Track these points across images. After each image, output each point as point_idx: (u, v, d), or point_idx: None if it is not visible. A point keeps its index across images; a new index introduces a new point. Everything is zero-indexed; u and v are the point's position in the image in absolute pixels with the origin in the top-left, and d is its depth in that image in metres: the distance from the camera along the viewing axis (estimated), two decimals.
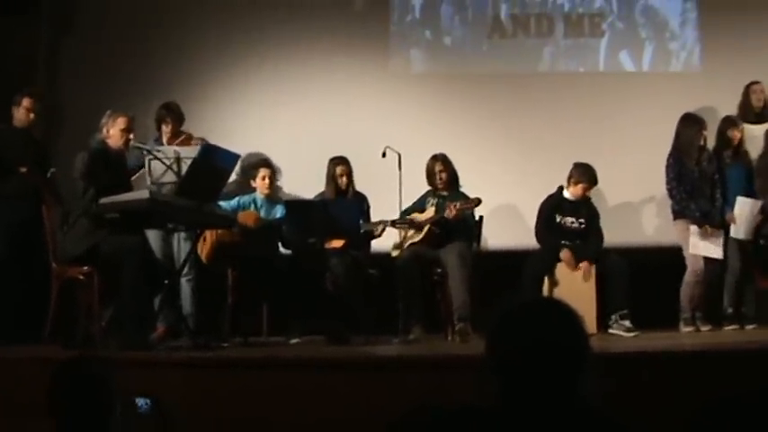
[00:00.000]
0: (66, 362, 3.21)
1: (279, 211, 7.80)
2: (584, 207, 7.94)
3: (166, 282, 6.81)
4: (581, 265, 7.69)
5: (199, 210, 6.54)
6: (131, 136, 6.57)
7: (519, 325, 2.08)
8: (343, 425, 5.07)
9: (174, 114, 7.93)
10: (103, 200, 6.10)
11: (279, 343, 7.17)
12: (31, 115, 7.52)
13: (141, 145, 6.97)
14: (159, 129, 7.95)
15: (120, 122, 6.48)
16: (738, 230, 7.85)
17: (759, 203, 7.83)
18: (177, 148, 7.16)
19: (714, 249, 7.78)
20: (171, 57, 8.98)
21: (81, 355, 3.68)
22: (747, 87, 8.40)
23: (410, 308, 7.31)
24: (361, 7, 9.23)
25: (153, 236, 7.37)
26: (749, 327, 7.74)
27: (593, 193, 8.12)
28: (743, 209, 7.84)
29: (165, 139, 7.83)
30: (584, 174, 7.84)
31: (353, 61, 9.07)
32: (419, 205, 7.87)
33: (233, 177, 7.88)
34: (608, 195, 8.77)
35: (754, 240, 7.92)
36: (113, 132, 6.48)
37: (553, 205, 7.91)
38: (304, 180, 8.39)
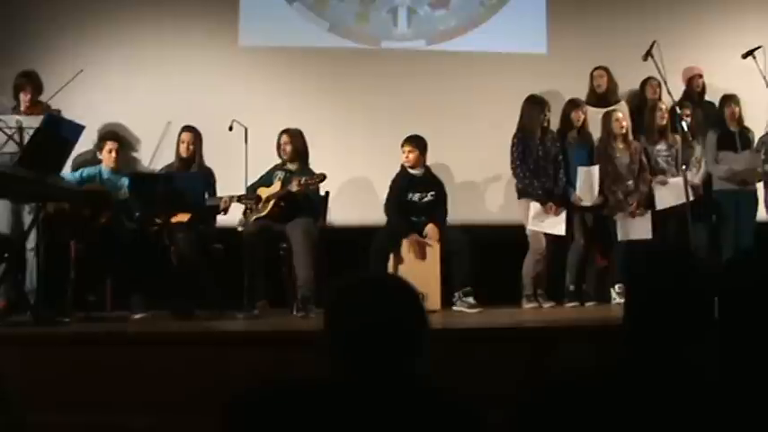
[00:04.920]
0: None
1: (124, 184, 8.02)
2: (430, 182, 8.44)
3: (6, 255, 7.06)
4: (427, 228, 8.17)
5: (41, 181, 6.80)
6: None
7: (355, 302, 2.19)
8: (186, 400, 5.35)
9: (33, 83, 8.09)
10: None
11: (123, 318, 7.32)
12: None
13: None
14: (17, 97, 8.12)
15: None
16: (585, 198, 8.55)
17: (596, 168, 8.55)
18: (20, 118, 7.23)
19: (556, 227, 8.47)
20: (28, 27, 9.14)
21: None
22: (591, 73, 9.31)
23: (255, 283, 7.67)
24: None
25: (2, 208, 7.59)
26: (589, 304, 8.42)
27: (438, 170, 8.69)
28: (583, 178, 8.55)
29: (22, 108, 8.00)
30: (412, 140, 8.35)
31: (202, 33, 9.40)
32: (266, 180, 8.20)
33: (89, 148, 8.29)
34: (454, 173, 9.37)
35: (599, 207, 8.63)
36: None
37: (403, 181, 8.36)
38: (154, 153, 8.76)
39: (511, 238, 8.54)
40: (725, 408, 2.02)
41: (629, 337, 2.30)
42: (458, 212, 8.61)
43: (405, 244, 8.13)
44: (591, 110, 8.95)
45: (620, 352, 2.27)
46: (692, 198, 8.33)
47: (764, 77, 8.48)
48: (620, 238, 8.51)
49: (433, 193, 8.38)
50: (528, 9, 9.96)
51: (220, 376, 5.40)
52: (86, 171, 8.20)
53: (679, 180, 8.46)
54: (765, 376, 1.98)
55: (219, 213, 8.07)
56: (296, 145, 8.23)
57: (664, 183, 8.64)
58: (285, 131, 8.31)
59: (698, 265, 2.32)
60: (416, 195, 8.35)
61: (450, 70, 9.64)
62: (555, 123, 8.80)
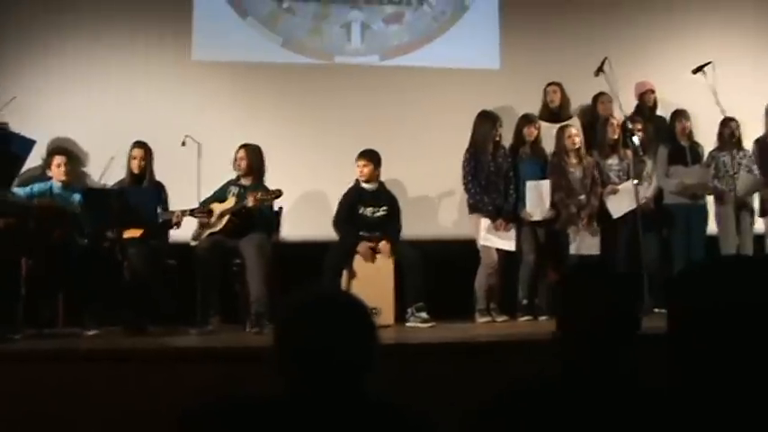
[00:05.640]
0: None
1: (76, 199, 8.02)
2: (383, 196, 8.54)
3: None
4: (380, 245, 8.26)
5: None
6: None
7: (304, 319, 2.18)
8: (139, 416, 5.32)
9: None
10: None
11: (75, 334, 7.28)
12: None
13: None
14: None
15: None
16: (535, 213, 8.65)
17: (546, 182, 8.67)
18: None
19: (506, 243, 8.59)
20: None
21: None
22: (545, 88, 9.46)
23: (208, 298, 7.70)
24: None
25: None
26: (542, 318, 8.47)
27: (391, 185, 8.79)
28: (533, 192, 8.66)
29: None
30: (366, 154, 8.45)
31: (155, 48, 9.46)
32: (219, 195, 8.24)
33: (38, 163, 8.28)
34: (407, 188, 9.51)
35: (551, 222, 8.75)
36: None
37: (353, 196, 8.43)
38: (106, 168, 8.60)
39: (463, 252, 8.65)
40: (669, 418, 2.05)
41: (561, 348, 2.41)
42: (410, 227, 8.69)
43: (357, 258, 8.21)
44: (544, 125, 9.08)
45: (555, 364, 2.37)
46: (644, 204, 8.61)
47: (714, 93, 8.64)
48: (572, 251, 8.63)
49: (385, 208, 8.46)
50: (481, 25, 10.14)
51: (173, 392, 5.38)
52: (37, 187, 8.17)
53: (628, 184, 8.67)
54: (717, 386, 1.98)
55: (172, 228, 8.05)
56: (252, 160, 8.29)
57: (614, 191, 8.78)
58: (243, 146, 8.36)
59: (617, 275, 2.49)
60: (368, 210, 8.43)
61: (403, 85, 9.79)
62: (508, 139, 8.93)
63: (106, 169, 8.47)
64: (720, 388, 1.91)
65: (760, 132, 9.53)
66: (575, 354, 2.40)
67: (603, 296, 2.41)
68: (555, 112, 9.39)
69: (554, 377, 2.35)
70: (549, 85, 9.44)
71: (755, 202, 9.33)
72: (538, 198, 8.65)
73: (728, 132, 9.09)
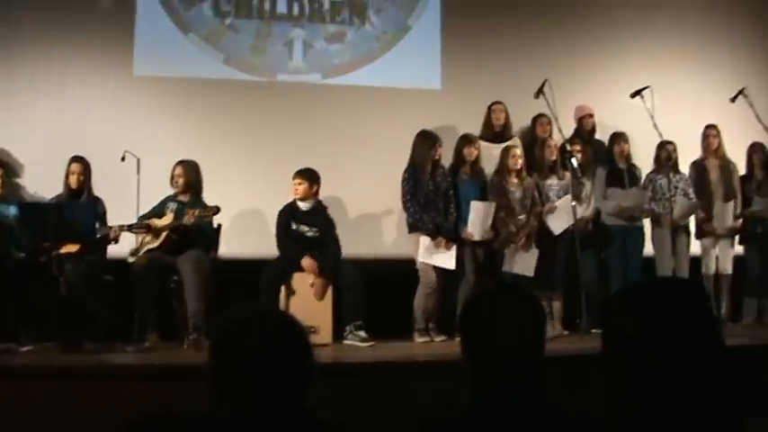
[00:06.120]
0: None
1: (12, 212, 7.87)
2: (318, 216, 8.60)
3: None
4: (315, 281, 8.29)
5: None
6: None
7: (238, 336, 2.18)
8: None
9: None
10: None
11: (9, 350, 7.14)
12: None
13: None
14: None
15: None
16: (476, 233, 8.70)
17: (492, 204, 8.73)
18: None
19: (446, 262, 8.65)
20: None
21: None
22: (489, 107, 9.55)
23: (145, 315, 7.71)
24: (107, 7, 9.57)
25: None
26: None
27: (331, 204, 8.86)
28: (476, 212, 8.72)
29: None
30: (302, 173, 8.51)
31: (97, 62, 9.44)
32: (158, 211, 8.25)
33: None
34: (348, 207, 9.60)
35: (490, 242, 8.81)
36: None
37: (288, 214, 8.50)
38: (43, 181, 8.68)
39: (403, 271, 8.66)
40: None
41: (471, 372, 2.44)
42: (350, 246, 8.74)
43: (296, 276, 8.26)
44: (486, 145, 9.22)
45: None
46: (582, 225, 8.81)
47: (652, 116, 8.79)
48: (504, 268, 8.69)
49: (318, 228, 8.54)
50: (423, 45, 10.27)
51: (109, 410, 5.41)
52: None
53: (565, 200, 8.80)
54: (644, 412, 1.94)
55: (110, 243, 8.06)
56: (189, 177, 8.32)
57: (552, 209, 8.88)
58: (180, 163, 8.38)
59: (521, 298, 2.53)
60: (302, 228, 8.50)
61: (345, 104, 9.87)
62: (448, 158, 9.01)
63: (44, 184, 8.52)
64: (648, 414, 1.89)
65: (696, 155, 9.75)
66: (484, 378, 2.42)
67: (505, 320, 2.44)
68: (498, 132, 9.49)
69: (467, 405, 2.38)
70: (496, 104, 9.54)
71: (692, 224, 9.51)
72: (481, 219, 8.72)
73: (665, 155, 9.28)
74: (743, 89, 9.63)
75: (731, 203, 9.52)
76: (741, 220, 9.57)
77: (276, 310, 3.65)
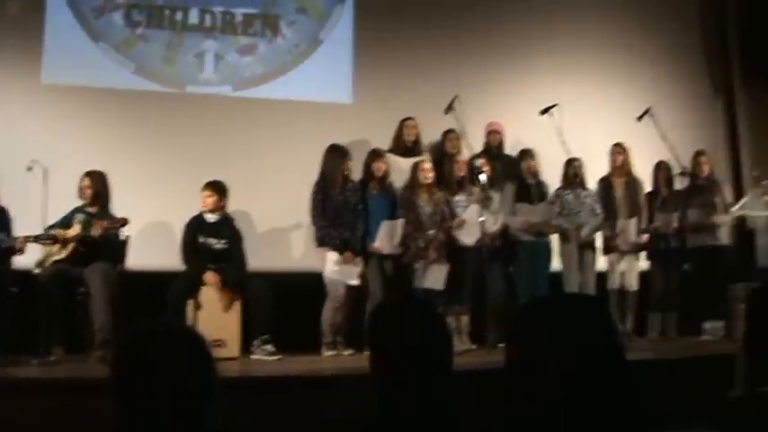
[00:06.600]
0: None
1: None
2: (225, 228, 8.62)
3: None
4: (222, 296, 8.31)
5: None
6: None
7: (138, 352, 2.18)
8: None
9: None
10: None
11: None
12: None
13: None
14: None
15: None
16: (384, 248, 8.77)
17: (400, 221, 8.82)
18: None
19: (352, 277, 8.76)
20: None
21: None
22: (401, 122, 9.64)
23: (51, 327, 7.62)
24: (15, 13, 9.50)
25: None
26: None
27: (240, 217, 8.90)
28: (386, 230, 8.79)
29: None
30: (211, 185, 8.56)
31: (5, 70, 9.34)
32: (65, 221, 8.16)
33: None
34: (257, 220, 9.62)
35: (399, 256, 8.87)
36: None
37: (195, 227, 8.51)
38: None
39: (311, 285, 8.72)
40: None
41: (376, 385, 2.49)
42: (259, 259, 8.79)
43: (204, 289, 8.27)
44: (395, 159, 9.34)
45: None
46: (490, 240, 8.88)
47: (560, 133, 8.96)
48: (415, 284, 8.77)
49: (225, 240, 8.55)
50: (335, 59, 10.38)
51: (13, 424, 5.43)
52: None
53: (472, 212, 8.89)
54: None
55: (15, 254, 7.87)
56: (97, 188, 8.29)
57: (460, 223, 8.98)
58: (88, 174, 8.34)
59: (422, 310, 2.61)
60: (210, 240, 8.50)
61: (255, 117, 9.92)
62: (358, 172, 9.08)
63: None
64: (548, 427, 1.94)
65: (604, 172, 9.93)
66: (387, 390, 2.48)
67: (407, 332, 2.51)
68: (409, 148, 9.58)
69: (372, 418, 2.43)
70: (407, 119, 9.61)
71: (598, 240, 9.69)
72: (390, 235, 8.80)
73: (573, 172, 9.49)
74: (649, 108, 9.91)
75: (634, 220, 9.75)
76: (647, 236, 9.81)
77: (178, 324, 3.56)
